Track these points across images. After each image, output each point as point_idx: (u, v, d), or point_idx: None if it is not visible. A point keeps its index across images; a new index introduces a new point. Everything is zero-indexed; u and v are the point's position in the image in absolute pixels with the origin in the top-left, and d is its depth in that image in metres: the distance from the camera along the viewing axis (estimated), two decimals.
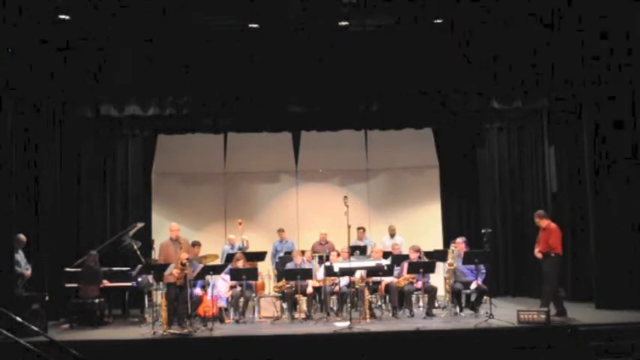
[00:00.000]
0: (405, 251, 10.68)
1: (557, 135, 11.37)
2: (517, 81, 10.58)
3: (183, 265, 8.70)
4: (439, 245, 12.05)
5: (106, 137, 11.93)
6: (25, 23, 9.12)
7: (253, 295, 10.01)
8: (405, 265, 9.98)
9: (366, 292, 9.56)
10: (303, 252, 10.44)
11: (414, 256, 10.01)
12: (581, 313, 9.22)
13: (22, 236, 9.13)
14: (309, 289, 9.90)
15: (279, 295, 10.01)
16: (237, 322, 9.53)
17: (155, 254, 10.02)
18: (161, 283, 9.22)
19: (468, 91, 10.75)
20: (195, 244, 10.43)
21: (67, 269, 9.94)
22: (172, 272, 8.74)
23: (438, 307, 10.16)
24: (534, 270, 11.75)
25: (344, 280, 9.61)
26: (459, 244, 10.09)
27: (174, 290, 8.84)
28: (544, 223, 9.22)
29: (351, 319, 8.73)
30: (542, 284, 9.34)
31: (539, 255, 9.16)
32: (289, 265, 10.20)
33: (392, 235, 11.81)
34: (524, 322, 8.37)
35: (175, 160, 13.09)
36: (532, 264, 11.78)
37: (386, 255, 10.46)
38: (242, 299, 9.70)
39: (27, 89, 9.46)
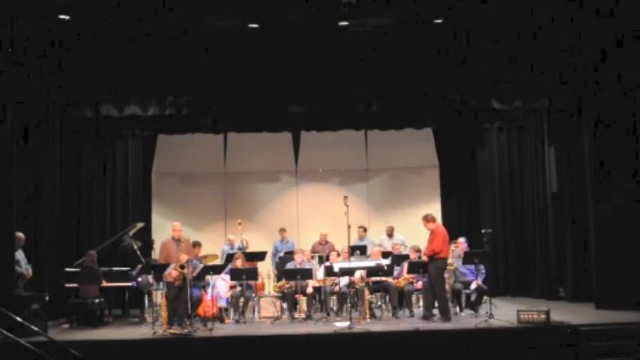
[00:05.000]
0: (406, 250, 10.67)
1: (557, 135, 11.38)
2: (517, 81, 10.58)
3: (182, 267, 8.70)
4: None
5: (106, 137, 11.95)
6: (25, 23, 9.12)
7: (253, 295, 10.01)
8: (405, 265, 9.98)
9: (366, 292, 9.56)
10: (304, 252, 10.45)
11: (414, 256, 10.01)
12: (581, 313, 9.24)
13: (20, 234, 9.05)
14: (309, 289, 9.89)
15: (279, 295, 10.01)
16: (237, 322, 9.53)
17: (155, 254, 10.02)
18: (161, 283, 9.24)
19: (467, 91, 10.76)
20: (196, 245, 10.41)
21: (67, 269, 9.95)
22: (171, 272, 8.74)
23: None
24: (534, 270, 11.80)
25: (344, 280, 9.60)
26: (461, 244, 10.10)
27: (172, 290, 8.84)
28: (431, 226, 9.16)
29: (351, 319, 8.73)
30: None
31: (424, 258, 9.14)
32: (289, 265, 10.19)
33: (390, 236, 11.72)
34: (524, 322, 8.36)
35: (175, 160, 13.08)
36: (532, 264, 11.84)
37: (386, 255, 10.45)
38: (242, 299, 9.70)
39: (27, 89, 9.46)
